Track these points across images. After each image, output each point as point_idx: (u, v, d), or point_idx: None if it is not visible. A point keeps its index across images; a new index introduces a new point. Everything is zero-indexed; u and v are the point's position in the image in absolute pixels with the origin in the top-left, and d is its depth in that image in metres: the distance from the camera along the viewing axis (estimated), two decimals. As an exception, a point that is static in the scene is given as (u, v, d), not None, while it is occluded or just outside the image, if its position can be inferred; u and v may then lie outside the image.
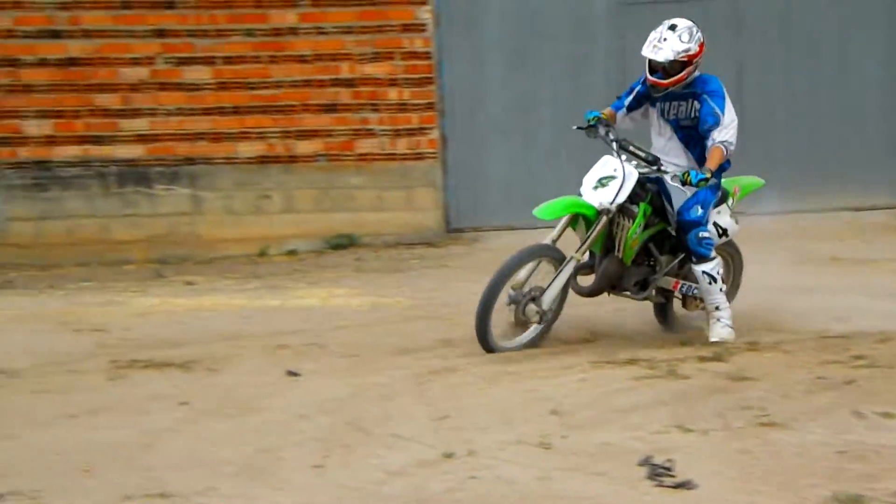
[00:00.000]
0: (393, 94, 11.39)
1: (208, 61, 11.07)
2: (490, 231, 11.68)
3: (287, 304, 8.86)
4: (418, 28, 11.39)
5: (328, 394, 6.27)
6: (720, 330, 7.14)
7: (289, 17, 11.13)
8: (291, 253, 10.87)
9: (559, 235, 7.02)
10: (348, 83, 11.29)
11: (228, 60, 11.10)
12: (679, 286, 7.23)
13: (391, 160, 11.48)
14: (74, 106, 10.91)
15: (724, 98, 7.01)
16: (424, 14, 11.38)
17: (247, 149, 11.20)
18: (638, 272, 7.14)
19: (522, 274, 6.88)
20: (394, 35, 11.33)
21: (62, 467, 5.14)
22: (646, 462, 5.08)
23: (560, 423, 5.72)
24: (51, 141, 10.91)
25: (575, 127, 7.15)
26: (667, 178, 6.95)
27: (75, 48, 10.85)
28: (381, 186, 11.46)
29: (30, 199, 10.91)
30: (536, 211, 6.90)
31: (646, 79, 7.07)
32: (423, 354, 7.07)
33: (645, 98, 7.18)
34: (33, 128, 10.87)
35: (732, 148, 7.00)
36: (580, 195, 6.96)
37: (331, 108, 11.30)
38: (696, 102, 7.02)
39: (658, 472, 4.97)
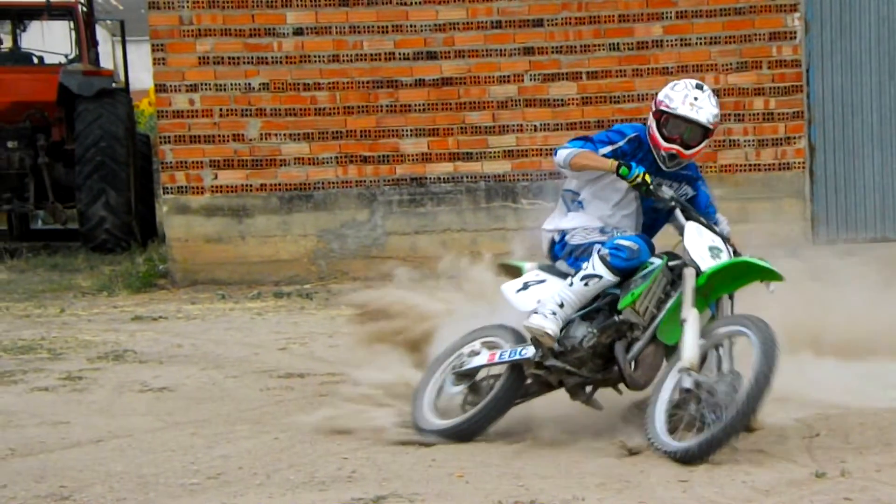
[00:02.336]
0: (759, 104, 11.15)
1: (574, 77, 11.28)
2: (863, 243, 11.18)
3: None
4: (787, 36, 11.09)
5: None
6: None
7: (654, 30, 11.15)
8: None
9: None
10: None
11: (593, 75, 11.25)
12: None
13: (755, 171, 11.23)
14: (447, 124, 11.42)
15: None
16: (794, 21, 11.06)
17: (609, 162, 11.30)
18: None
19: (692, 351, 5.48)
20: (761, 44, 11.09)
21: (437, 472, 5.35)
22: None
23: (944, 447, 5.41)
24: (425, 158, 11.46)
25: (631, 182, 5.75)
26: (747, 257, 5.82)
27: (449, 68, 11.35)
28: (744, 197, 11.23)
29: (406, 215, 11.49)
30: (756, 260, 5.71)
31: (658, 147, 5.88)
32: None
33: (623, 158, 5.88)
34: (410, 146, 11.46)
35: None
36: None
37: (694, 120, 11.19)
38: (688, 187, 6.06)
39: None
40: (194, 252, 11.43)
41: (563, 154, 5.93)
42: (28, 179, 14.74)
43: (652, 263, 5.72)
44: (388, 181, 11.48)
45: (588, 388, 5.83)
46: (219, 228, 11.47)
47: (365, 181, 11.47)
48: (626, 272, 5.71)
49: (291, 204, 11.50)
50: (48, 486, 5.31)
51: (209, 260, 11.38)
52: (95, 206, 13.84)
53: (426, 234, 11.41)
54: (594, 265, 5.72)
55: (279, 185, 11.48)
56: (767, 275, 5.69)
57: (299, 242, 11.44)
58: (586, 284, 5.72)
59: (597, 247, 5.78)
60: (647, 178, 5.74)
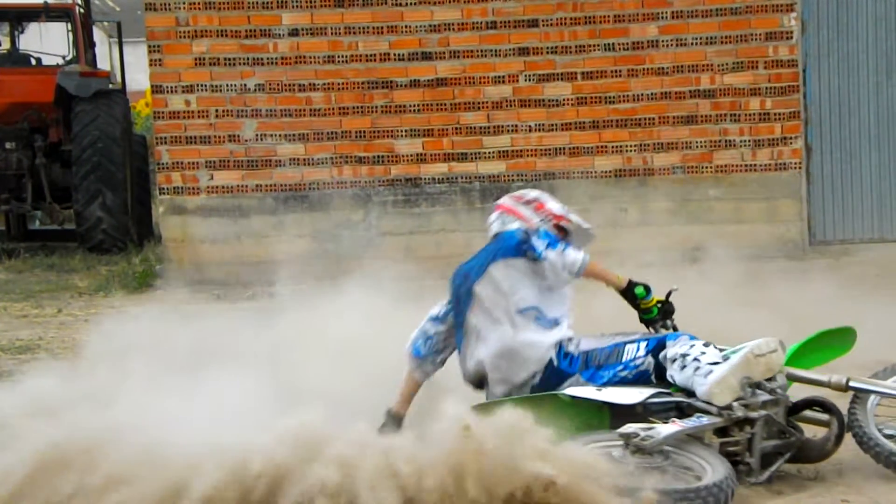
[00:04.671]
0: (755, 104, 11.15)
1: (569, 77, 11.28)
2: (859, 244, 11.18)
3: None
4: (784, 36, 11.09)
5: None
6: None
7: (649, 31, 11.15)
8: (648, 265, 10.84)
9: None
10: (708, 94, 11.16)
11: (588, 75, 11.26)
12: None
13: (751, 171, 11.24)
14: (442, 124, 11.42)
15: None
16: (791, 21, 11.06)
17: (603, 162, 11.31)
18: None
19: None
20: (757, 44, 11.09)
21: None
22: None
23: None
24: (420, 158, 11.47)
25: (647, 303, 5.48)
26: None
27: (444, 68, 11.36)
28: (740, 198, 11.24)
29: (400, 215, 11.50)
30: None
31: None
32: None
33: None
34: (404, 146, 11.47)
35: None
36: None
37: (689, 120, 11.21)
38: None
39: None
40: (190, 252, 11.44)
41: (578, 258, 5.35)
42: (25, 180, 14.78)
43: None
44: (383, 182, 11.49)
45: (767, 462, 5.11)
46: (214, 229, 11.48)
47: (360, 182, 11.48)
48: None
49: (287, 204, 11.51)
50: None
51: (205, 260, 11.39)
52: (92, 206, 13.87)
53: (421, 235, 11.42)
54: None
55: (274, 185, 11.49)
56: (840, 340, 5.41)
57: (294, 243, 11.44)
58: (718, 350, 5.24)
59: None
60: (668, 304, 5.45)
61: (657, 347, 5.26)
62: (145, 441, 4.61)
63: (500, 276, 5.35)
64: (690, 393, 5.11)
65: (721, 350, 5.23)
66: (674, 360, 5.18)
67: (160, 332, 6.60)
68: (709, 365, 5.09)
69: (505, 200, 5.62)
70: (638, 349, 5.27)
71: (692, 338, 5.32)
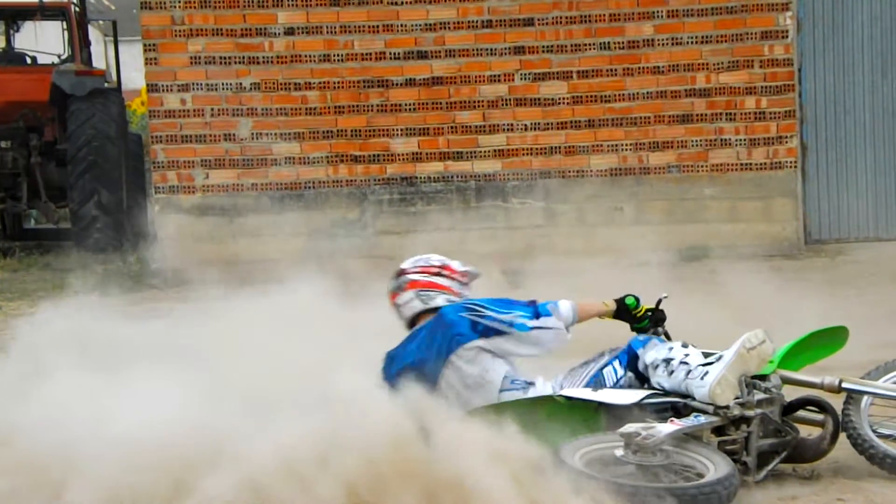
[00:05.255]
0: (750, 103, 11.17)
1: (564, 76, 11.29)
2: (855, 243, 11.21)
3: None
4: (779, 35, 11.10)
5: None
6: None
7: (645, 29, 11.16)
8: (643, 265, 10.86)
9: None
10: (703, 93, 11.17)
11: (583, 74, 11.26)
12: None
13: (747, 170, 11.26)
14: (437, 123, 11.43)
15: None
16: (786, 20, 11.08)
17: (599, 161, 11.31)
18: None
19: None
20: (753, 43, 11.10)
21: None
22: None
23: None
24: (416, 157, 11.47)
25: (639, 310, 5.40)
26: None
27: (439, 67, 11.36)
28: (735, 197, 11.26)
29: (396, 214, 11.51)
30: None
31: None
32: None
33: None
34: (400, 145, 11.48)
35: None
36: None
37: (685, 119, 11.23)
38: None
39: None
40: (186, 251, 11.43)
41: (567, 307, 5.24)
42: (21, 179, 14.76)
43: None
44: (379, 180, 11.49)
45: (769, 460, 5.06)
46: (210, 228, 11.48)
47: (355, 180, 11.48)
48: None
49: (282, 203, 11.51)
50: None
51: (200, 259, 11.37)
52: (87, 205, 13.86)
53: (416, 234, 11.42)
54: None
55: (270, 184, 11.48)
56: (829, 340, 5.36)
57: (290, 242, 11.43)
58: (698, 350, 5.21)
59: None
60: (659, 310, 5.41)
61: (630, 360, 5.21)
62: (65, 437, 4.52)
63: (466, 365, 5.12)
64: (682, 395, 5.08)
65: (708, 354, 5.19)
66: (656, 367, 5.13)
67: (115, 330, 6.49)
68: (700, 367, 5.04)
69: (416, 277, 5.36)
70: (615, 371, 5.22)
71: (660, 340, 5.27)
